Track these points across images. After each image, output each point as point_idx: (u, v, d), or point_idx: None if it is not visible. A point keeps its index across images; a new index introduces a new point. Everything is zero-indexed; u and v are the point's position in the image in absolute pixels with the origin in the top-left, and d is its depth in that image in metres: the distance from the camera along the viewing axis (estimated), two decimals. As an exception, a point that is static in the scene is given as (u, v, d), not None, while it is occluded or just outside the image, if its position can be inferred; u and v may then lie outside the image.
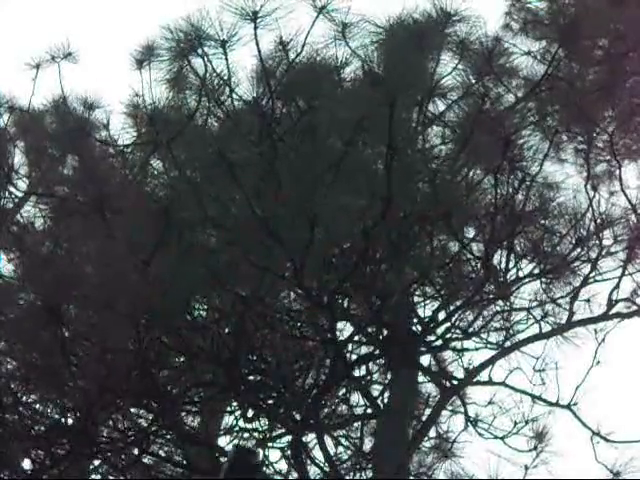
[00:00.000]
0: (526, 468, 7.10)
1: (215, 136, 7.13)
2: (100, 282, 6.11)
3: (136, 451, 6.90)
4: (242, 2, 6.38)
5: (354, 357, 7.40)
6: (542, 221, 7.26)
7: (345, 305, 7.09)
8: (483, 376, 7.43)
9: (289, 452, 7.10)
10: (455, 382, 7.49)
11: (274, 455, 7.39)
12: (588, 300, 7.44)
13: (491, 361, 7.39)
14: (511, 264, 7.14)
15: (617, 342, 7.41)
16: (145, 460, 7.11)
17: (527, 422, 7.32)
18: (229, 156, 6.26)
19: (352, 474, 7.54)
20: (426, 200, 6.70)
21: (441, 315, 7.45)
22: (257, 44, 6.51)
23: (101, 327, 6.05)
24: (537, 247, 7.21)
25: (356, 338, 7.35)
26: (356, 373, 7.46)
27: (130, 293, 5.97)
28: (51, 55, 8.02)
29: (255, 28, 6.43)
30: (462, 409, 7.66)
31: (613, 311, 7.42)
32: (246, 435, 7.33)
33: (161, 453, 7.20)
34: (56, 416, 6.74)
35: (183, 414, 7.36)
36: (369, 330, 7.30)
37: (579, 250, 7.26)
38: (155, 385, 6.54)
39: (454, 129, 7.35)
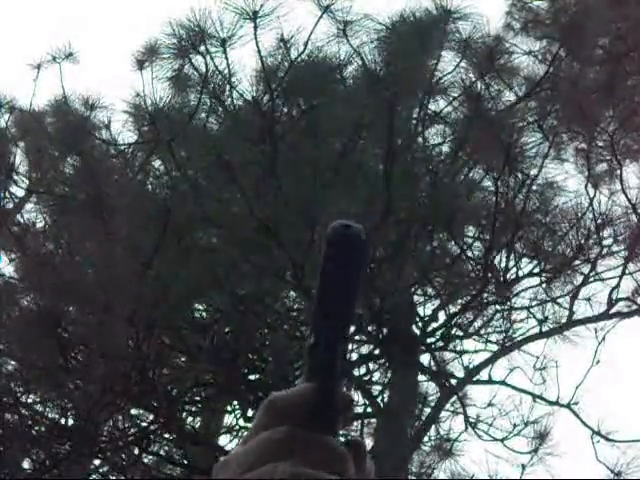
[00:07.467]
0: (523, 467, 7.08)
1: (215, 136, 7.12)
2: (99, 283, 6.10)
3: (136, 451, 6.90)
4: (242, 2, 6.36)
5: (354, 356, 7.41)
6: (543, 220, 7.24)
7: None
8: (483, 375, 7.43)
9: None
10: (455, 381, 7.48)
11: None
12: (588, 299, 7.42)
13: (491, 360, 7.38)
14: (511, 263, 7.13)
15: (617, 341, 7.40)
16: (145, 460, 7.11)
17: (527, 424, 7.29)
18: (228, 157, 6.25)
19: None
20: (426, 201, 6.69)
21: (441, 315, 7.46)
22: (257, 43, 6.49)
23: (100, 328, 6.04)
24: (537, 247, 7.19)
25: (356, 337, 7.35)
26: (356, 372, 7.46)
27: (129, 294, 5.97)
28: (52, 55, 8.01)
29: (255, 27, 6.39)
30: (462, 410, 7.63)
31: (613, 310, 7.40)
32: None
33: (161, 453, 7.20)
34: (56, 416, 6.75)
35: (183, 414, 7.37)
36: (369, 329, 7.30)
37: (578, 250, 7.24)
38: (155, 385, 6.54)
39: (454, 128, 7.34)
